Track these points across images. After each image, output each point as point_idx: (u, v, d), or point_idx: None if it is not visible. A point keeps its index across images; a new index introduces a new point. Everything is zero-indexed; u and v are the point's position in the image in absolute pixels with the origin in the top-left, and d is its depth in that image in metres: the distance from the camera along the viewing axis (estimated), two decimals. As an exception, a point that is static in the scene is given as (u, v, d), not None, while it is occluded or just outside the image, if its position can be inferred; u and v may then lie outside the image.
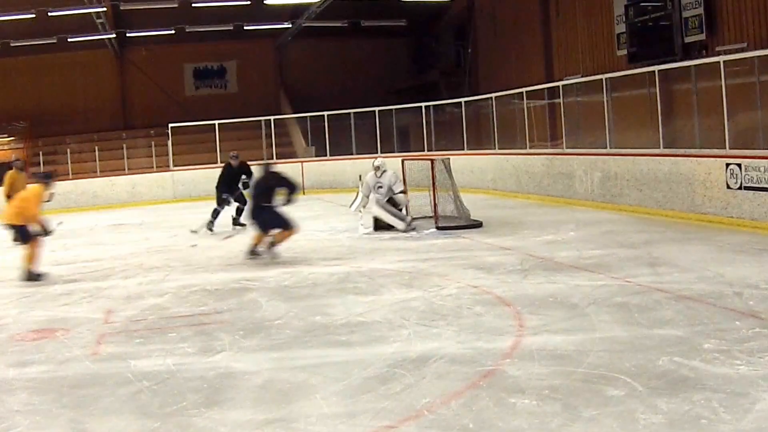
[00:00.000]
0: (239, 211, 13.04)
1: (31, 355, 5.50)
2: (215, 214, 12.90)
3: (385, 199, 11.32)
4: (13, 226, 8.97)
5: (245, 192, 12.66)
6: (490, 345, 5.07)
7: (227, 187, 13.06)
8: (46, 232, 9.13)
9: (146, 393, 4.50)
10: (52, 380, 4.85)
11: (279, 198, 9.42)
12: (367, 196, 11.33)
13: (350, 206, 12.00)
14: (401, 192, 11.39)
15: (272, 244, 9.36)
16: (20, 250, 9.08)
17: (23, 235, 8.95)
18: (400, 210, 11.33)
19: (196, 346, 5.50)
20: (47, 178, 9.68)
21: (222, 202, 12.99)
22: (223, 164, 14.48)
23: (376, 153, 20.35)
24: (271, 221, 9.34)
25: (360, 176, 11.86)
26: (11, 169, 13.03)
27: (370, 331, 5.64)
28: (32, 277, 8.80)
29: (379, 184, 11.28)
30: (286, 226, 9.34)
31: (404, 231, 10.90)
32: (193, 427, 3.93)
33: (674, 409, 3.73)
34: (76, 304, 7.33)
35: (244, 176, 12.94)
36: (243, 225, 12.71)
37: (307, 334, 5.67)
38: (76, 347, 5.64)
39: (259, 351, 5.30)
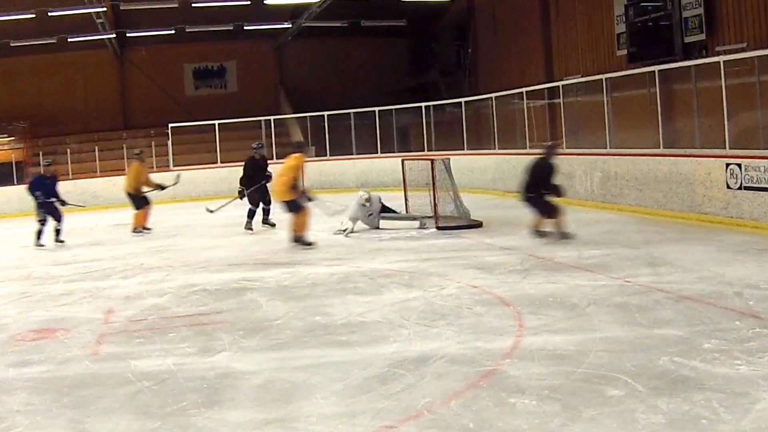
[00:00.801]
0: (267, 211, 12.65)
1: (31, 355, 5.50)
2: (251, 214, 12.46)
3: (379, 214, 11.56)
4: (285, 202, 10.30)
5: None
6: (490, 345, 5.07)
7: (249, 182, 12.54)
8: (309, 199, 10.49)
9: (146, 393, 4.50)
10: (52, 380, 4.84)
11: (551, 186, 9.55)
12: (354, 222, 11.40)
13: (345, 235, 11.58)
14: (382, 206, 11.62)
15: (562, 234, 9.37)
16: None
17: (294, 207, 10.22)
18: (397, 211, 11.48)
19: (196, 346, 5.50)
20: (300, 147, 11.24)
21: (254, 203, 12.51)
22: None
23: (376, 153, 20.41)
24: (545, 208, 9.45)
25: (360, 195, 11.69)
26: (135, 161, 13.64)
27: (370, 331, 5.64)
28: (304, 243, 10.15)
29: (369, 212, 11.43)
30: (553, 214, 9.43)
31: (421, 227, 11.15)
32: (193, 427, 3.93)
33: (674, 409, 3.73)
34: (76, 304, 7.33)
35: (268, 171, 12.67)
36: (273, 225, 12.50)
37: (307, 334, 5.68)
38: (76, 347, 5.64)
39: (259, 351, 5.30)
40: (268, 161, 13.20)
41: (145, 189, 13.12)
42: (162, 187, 13.17)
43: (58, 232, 11.86)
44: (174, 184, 13.71)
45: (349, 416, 3.94)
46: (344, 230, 11.26)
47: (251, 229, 12.36)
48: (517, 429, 3.66)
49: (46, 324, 6.49)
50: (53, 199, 11.79)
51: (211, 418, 4.03)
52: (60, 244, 11.79)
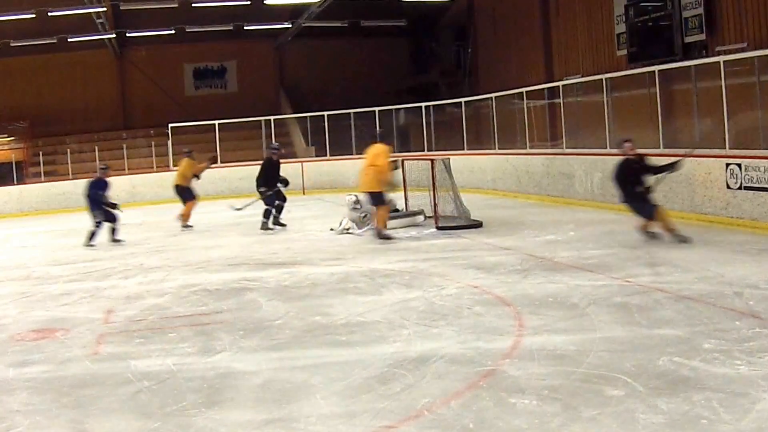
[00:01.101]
0: (279, 209, 12.63)
1: (31, 355, 5.50)
2: (267, 214, 12.40)
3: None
4: (370, 193, 10.47)
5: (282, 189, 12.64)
6: (490, 345, 5.07)
7: (265, 182, 12.47)
8: (392, 187, 10.74)
9: (146, 393, 4.50)
10: (52, 380, 4.84)
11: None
12: (353, 221, 11.47)
13: (337, 229, 11.63)
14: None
15: (673, 231, 8.71)
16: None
17: (380, 199, 10.40)
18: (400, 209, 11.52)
19: (196, 346, 5.50)
20: (383, 138, 11.35)
21: (269, 201, 12.44)
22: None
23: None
24: (645, 209, 8.88)
25: (347, 199, 11.75)
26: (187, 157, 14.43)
27: (370, 331, 5.64)
28: (384, 237, 10.32)
29: (363, 213, 11.42)
30: (655, 215, 8.81)
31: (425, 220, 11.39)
32: (193, 427, 3.93)
33: (674, 409, 3.73)
34: (76, 304, 7.33)
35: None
36: (284, 225, 12.55)
37: (307, 334, 5.68)
38: (76, 347, 5.64)
39: (259, 351, 5.30)
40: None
41: (191, 180, 13.94)
42: (197, 176, 14.09)
43: (113, 231, 12.00)
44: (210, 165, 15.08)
45: (349, 416, 3.94)
46: (347, 228, 11.30)
47: (271, 229, 12.32)
48: (517, 429, 3.66)
49: (46, 324, 6.49)
50: (104, 204, 11.91)
51: (211, 418, 4.03)
52: (117, 243, 11.88)
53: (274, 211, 12.47)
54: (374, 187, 10.38)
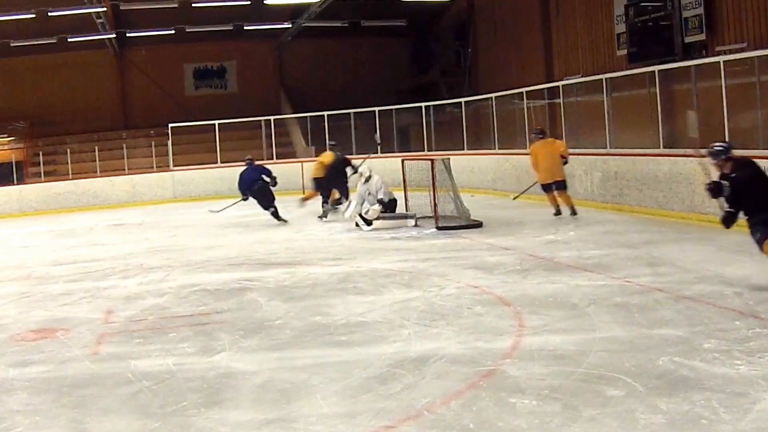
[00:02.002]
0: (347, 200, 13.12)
1: (31, 355, 5.50)
2: (328, 210, 13.17)
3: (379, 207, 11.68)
4: (559, 181, 11.76)
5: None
6: (490, 345, 5.07)
7: (328, 182, 13.34)
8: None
9: (146, 393, 4.50)
10: (52, 380, 4.84)
11: None
12: (361, 204, 11.69)
13: (344, 213, 12.01)
14: (378, 201, 11.64)
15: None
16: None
17: (564, 185, 11.76)
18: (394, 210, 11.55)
19: (196, 346, 5.50)
20: (542, 134, 12.30)
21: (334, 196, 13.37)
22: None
23: (376, 153, 20.36)
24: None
25: (358, 171, 12.15)
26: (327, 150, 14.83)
27: (370, 331, 5.64)
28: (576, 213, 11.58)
29: (368, 191, 11.50)
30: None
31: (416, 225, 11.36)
32: (193, 427, 3.93)
33: (674, 409, 3.73)
34: (76, 304, 7.33)
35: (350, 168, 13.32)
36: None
37: (307, 334, 5.67)
38: (76, 347, 5.64)
39: (259, 351, 5.30)
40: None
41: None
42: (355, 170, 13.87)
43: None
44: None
45: (349, 416, 3.94)
46: (361, 216, 11.55)
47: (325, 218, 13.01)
48: (517, 429, 3.65)
49: (46, 324, 6.49)
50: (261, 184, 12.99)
51: (211, 418, 4.03)
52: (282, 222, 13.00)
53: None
54: (563, 174, 11.79)
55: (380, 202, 11.62)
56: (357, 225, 11.50)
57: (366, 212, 11.56)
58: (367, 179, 11.73)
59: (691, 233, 9.39)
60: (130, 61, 26.05)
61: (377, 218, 11.45)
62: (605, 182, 12.77)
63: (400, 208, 12.37)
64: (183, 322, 6.30)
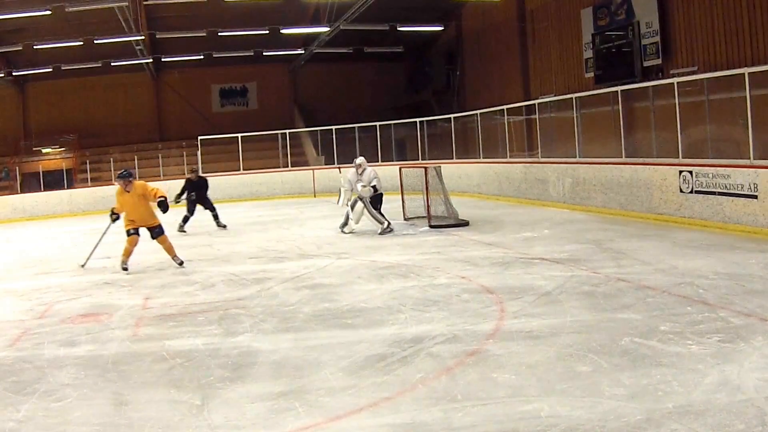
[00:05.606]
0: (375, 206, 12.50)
1: (78, 336, 5.50)
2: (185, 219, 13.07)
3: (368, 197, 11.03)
4: None
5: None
6: (476, 327, 5.06)
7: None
8: None
9: (179, 369, 4.50)
10: (97, 358, 4.85)
11: None
12: (350, 191, 11.10)
13: (338, 202, 11.83)
14: (372, 186, 10.94)
15: None
16: None
17: None
18: (378, 210, 11.15)
19: (222, 328, 5.50)
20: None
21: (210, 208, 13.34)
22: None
23: (378, 162, 20.36)
24: None
25: (339, 169, 11.71)
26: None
27: (372, 315, 5.63)
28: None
29: (360, 180, 11.05)
30: None
31: (380, 233, 10.70)
32: (219, 397, 3.93)
33: (635, 383, 3.73)
34: (117, 292, 7.33)
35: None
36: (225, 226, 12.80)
37: (317, 318, 5.67)
38: (118, 329, 5.64)
39: (276, 332, 5.30)
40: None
41: None
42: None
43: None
44: None
45: (353, 389, 3.94)
46: (339, 201, 11.29)
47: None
48: (499, 399, 3.66)
49: (91, 309, 6.49)
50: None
51: (234, 390, 4.03)
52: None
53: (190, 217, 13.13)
54: None
55: (374, 188, 10.99)
56: (342, 230, 11.14)
57: (357, 198, 10.99)
58: (363, 170, 11.02)
59: (649, 231, 9.39)
60: (165, 82, 26.06)
61: (361, 215, 11.02)
62: (575, 187, 12.77)
63: (399, 209, 12.33)
64: (210, 307, 6.30)
